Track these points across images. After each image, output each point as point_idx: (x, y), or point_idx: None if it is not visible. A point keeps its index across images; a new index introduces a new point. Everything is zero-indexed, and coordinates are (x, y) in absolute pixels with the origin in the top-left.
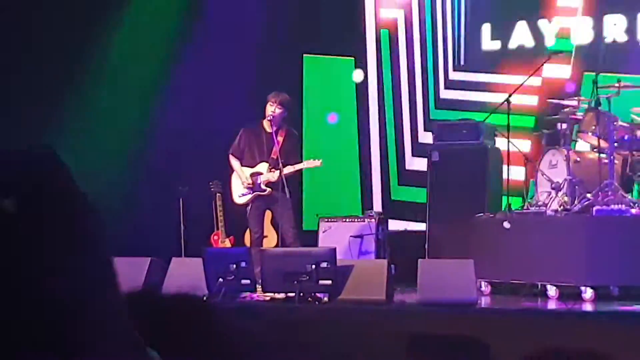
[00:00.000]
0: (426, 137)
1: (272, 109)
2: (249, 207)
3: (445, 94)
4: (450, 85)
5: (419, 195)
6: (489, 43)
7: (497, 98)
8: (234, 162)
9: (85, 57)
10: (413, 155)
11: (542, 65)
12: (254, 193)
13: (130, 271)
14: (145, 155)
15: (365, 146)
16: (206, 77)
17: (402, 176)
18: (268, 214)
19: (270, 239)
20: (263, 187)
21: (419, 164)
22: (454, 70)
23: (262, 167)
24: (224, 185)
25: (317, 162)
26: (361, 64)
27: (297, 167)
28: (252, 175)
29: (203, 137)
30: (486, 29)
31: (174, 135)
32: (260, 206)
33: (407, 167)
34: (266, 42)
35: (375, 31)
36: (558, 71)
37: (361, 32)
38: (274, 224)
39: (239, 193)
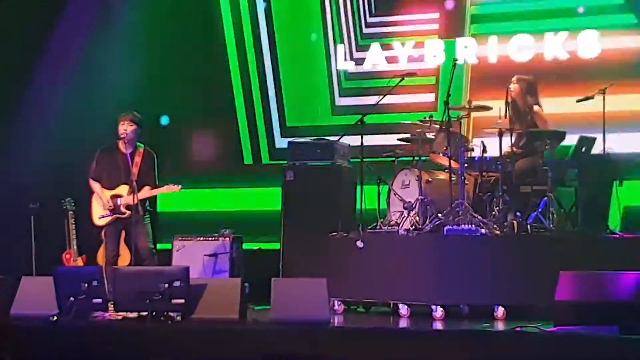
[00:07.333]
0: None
1: (123, 127)
2: (105, 227)
3: None
4: None
5: None
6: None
7: None
8: (94, 185)
9: None
10: None
11: (395, 86)
12: (114, 215)
13: None
14: None
15: None
16: (62, 94)
17: None
18: (123, 233)
19: (124, 258)
20: (123, 209)
21: None
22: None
23: (122, 189)
24: (77, 204)
25: (176, 188)
26: None
27: (155, 192)
28: (112, 197)
29: (57, 154)
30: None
31: (28, 151)
32: (118, 227)
33: None
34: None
35: None
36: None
37: None
38: (128, 242)
39: (99, 215)
